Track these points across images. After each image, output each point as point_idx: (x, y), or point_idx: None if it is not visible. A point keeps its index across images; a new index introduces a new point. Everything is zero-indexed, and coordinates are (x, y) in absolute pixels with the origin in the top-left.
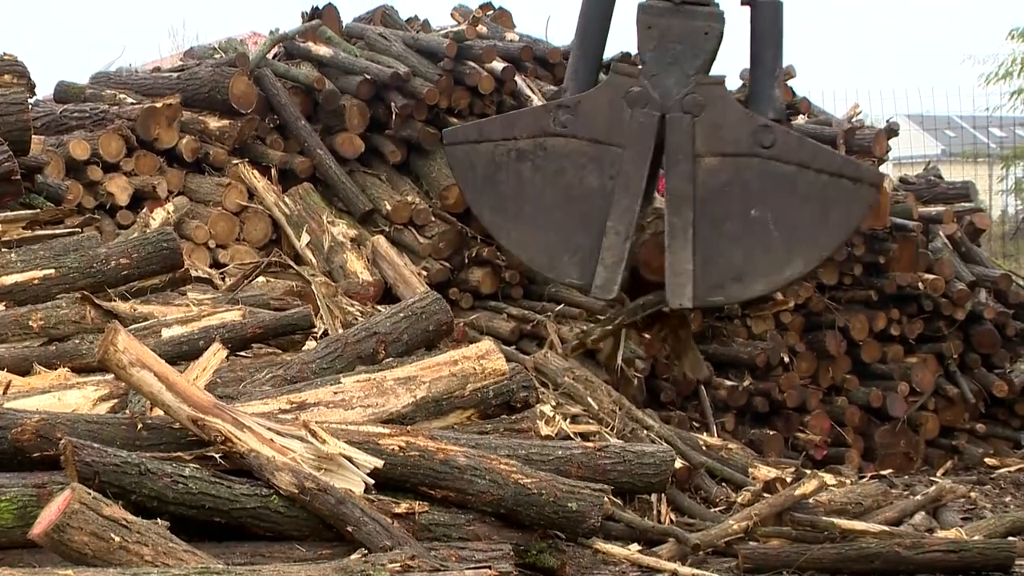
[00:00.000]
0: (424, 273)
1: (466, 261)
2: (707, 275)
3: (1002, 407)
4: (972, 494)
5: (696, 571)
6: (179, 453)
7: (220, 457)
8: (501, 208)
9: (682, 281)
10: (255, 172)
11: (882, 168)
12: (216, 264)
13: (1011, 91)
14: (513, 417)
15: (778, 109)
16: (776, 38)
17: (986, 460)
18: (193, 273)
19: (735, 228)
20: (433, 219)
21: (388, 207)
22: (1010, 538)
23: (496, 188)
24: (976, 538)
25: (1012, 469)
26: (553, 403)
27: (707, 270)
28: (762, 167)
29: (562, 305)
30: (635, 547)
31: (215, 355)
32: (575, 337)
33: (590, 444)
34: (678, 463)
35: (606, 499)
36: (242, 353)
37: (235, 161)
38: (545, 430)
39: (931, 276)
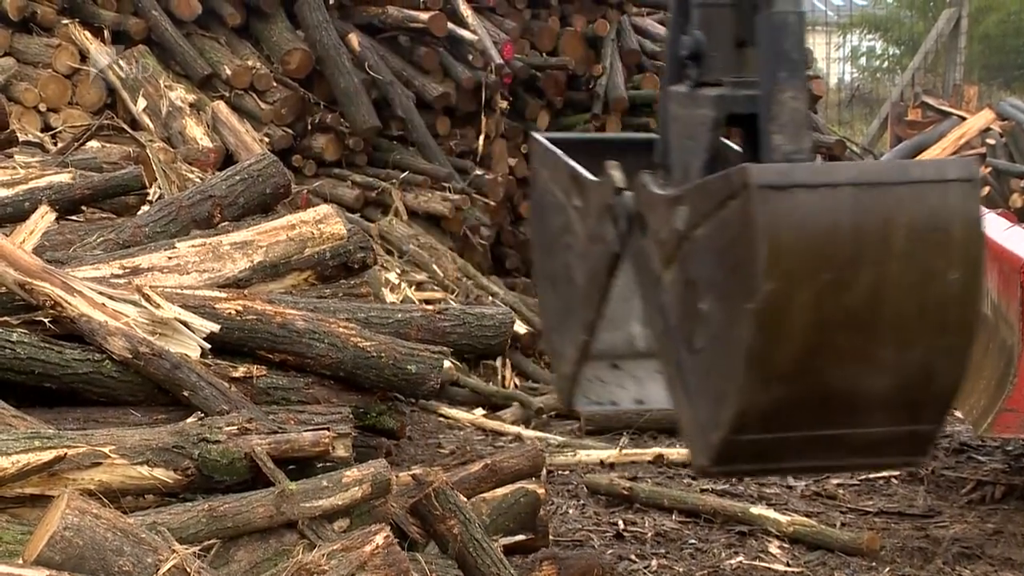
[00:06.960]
0: (266, 140)
1: (309, 127)
2: None
3: None
4: None
5: (539, 433)
6: (5, 318)
7: (50, 322)
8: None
9: None
10: (87, 33)
11: None
12: (48, 128)
13: None
14: (352, 281)
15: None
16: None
17: None
18: (22, 137)
19: None
20: (275, 84)
21: (228, 72)
22: None
23: (542, 225)
24: None
25: None
26: (398, 270)
27: None
28: None
29: (407, 172)
30: (480, 412)
31: (43, 218)
32: None
33: (430, 307)
34: (522, 328)
35: (447, 362)
36: (73, 217)
37: (65, 21)
38: (390, 297)
39: None
